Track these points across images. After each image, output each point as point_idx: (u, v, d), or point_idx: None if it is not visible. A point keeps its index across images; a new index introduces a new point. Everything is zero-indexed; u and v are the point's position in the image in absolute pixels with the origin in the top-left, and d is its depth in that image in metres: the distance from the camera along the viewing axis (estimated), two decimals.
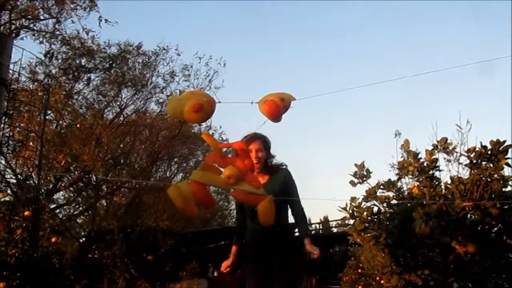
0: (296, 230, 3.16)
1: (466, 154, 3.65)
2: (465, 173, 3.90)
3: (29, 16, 9.16)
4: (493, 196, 3.43)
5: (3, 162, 7.99)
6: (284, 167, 3.09)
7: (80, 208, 12.30)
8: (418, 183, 3.96)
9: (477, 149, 3.57)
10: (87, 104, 11.46)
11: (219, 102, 2.03)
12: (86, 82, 10.90)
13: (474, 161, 3.60)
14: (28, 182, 6.67)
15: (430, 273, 3.83)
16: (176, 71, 12.18)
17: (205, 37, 33.29)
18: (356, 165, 4.26)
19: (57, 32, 9.56)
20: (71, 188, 11.53)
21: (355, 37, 43.22)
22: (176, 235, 11.84)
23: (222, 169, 2.13)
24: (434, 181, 3.88)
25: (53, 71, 9.93)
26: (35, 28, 9.39)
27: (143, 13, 32.23)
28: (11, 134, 6.78)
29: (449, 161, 4.20)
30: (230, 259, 3.11)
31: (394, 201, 4.14)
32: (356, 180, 4.26)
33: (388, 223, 4.07)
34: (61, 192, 11.58)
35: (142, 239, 11.02)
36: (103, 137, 10.12)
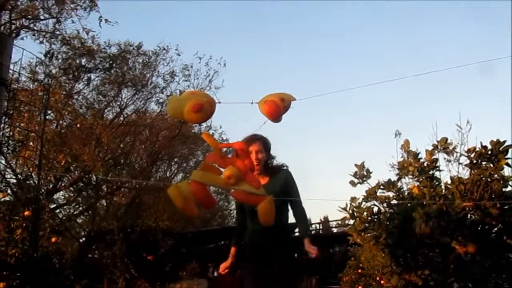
0: (297, 230, 3.16)
1: (466, 154, 3.65)
2: (465, 173, 3.90)
3: (29, 16, 9.16)
4: (493, 196, 3.43)
5: (3, 162, 7.99)
6: (285, 168, 3.08)
7: (80, 208, 12.31)
8: (418, 183, 3.96)
9: (477, 149, 3.57)
10: (87, 104, 11.46)
11: (219, 102, 2.04)
12: (86, 82, 10.92)
13: (474, 161, 3.59)
14: (28, 182, 6.67)
15: (430, 273, 3.83)
16: (176, 71, 12.20)
17: (205, 37, 33.31)
18: (356, 165, 4.26)
19: (57, 32, 9.57)
20: (71, 188, 11.53)
21: (355, 37, 43.22)
22: (176, 235, 11.85)
23: (222, 169, 2.13)
24: (434, 181, 3.88)
25: (53, 71, 9.94)
26: (35, 28, 9.40)
27: (143, 13, 32.24)
28: (11, 134, 6.78)
29: (449, 161, 4.21)
30: (229, 261, 3.11)
31: (394, 201, 4.14)
32: (356, 180, 4.26)
33: (388, 223, 4.07)
34: (61, 192, 11.60)
35: (142, 239, 11.02)
36: (103, 137, 10.12)
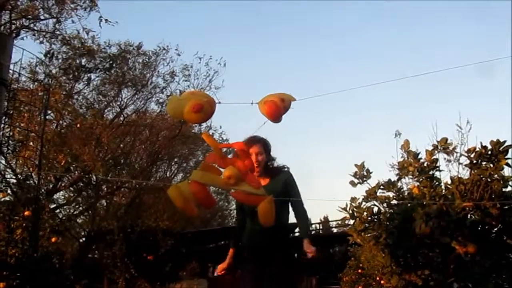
0: (297, 230, 3.16)
1: (466, 154, 3.65)
2: (465, 173, 3.91)
3: (29, 16, 9.16)
4: (493, 196, 3.43)
5: (3, 162, 7.99)
6: (285, 169, 3.08)
7: (80, 208, 12.31)
8: (418, 183, 3.96)
9: (477, 149, 3.57)
10: (87, 104, 11.46)
11: (219, 102, 2.04)
12: (86, 82, 10.92)
13: (474, 161, 3.59)
14: (28, 182, 6.67)
15: (430, 273, 3.83)
16: (176, 71, 12.20)
17: (205, 37, 33.32)
18: (356, 165, 4.26)
19: (57, 32, 9.57)
20: (71, 188, 11.53)
21: (355, 37, 43.22)
22: (176, 235, 11.85)
23: (222, 170, 2.13)
24: (434, 181, 3.88)
25: (53, 71, 9.94)
26: (35, 28, 9.40)
27: (143, 13, 32.26)
28: (11, 134, 6.78)
29: (449, 161, 4.21)
30: (226, 262, 3.11)
31: (394, 201, 4.14)
32: (356, 180, 4.26)
33: (388, 223, 4.07)
34: (61, 192, 11.60)
35: (142, 239, 11.03)
36: (103, 137, 10.12)
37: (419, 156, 4.01)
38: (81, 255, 11.02)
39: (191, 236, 14.29)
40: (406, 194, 4.13)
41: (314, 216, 28.73)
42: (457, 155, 4.10)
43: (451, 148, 4.03)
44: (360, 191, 4.30)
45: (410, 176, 4.08)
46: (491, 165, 3.51)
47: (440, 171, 3.97)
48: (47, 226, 6.96)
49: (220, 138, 13.46)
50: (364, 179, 4.23)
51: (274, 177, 3.02)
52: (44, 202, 7.45)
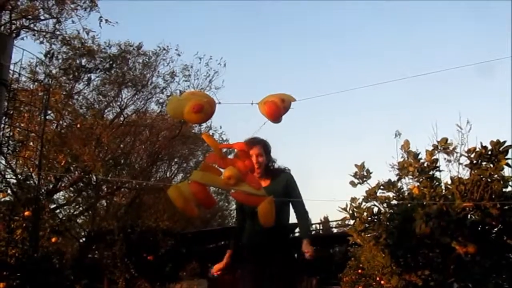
0: (298, 230, 3.16)
1: (466, 155, 3.65)
2: (465, 174, 3.91)
3: (30, 16, 9.17)
4: (493, 196, 3.43)
5: (3, 162, 8.00)
6: (287, 171, 3.09)
7: (80, 208, 12.31)
8: (418, 183, 3.96)
9: (477, 149, 3.57)
10: (88, 104, 11.47)
11: (219, 103, 2.04)
12: (86, 82, 10.93)
13: (474, 161, 3.59)
14: (28, 182, 6.67)
15: (430, 273, 3.83)
16: (176, 72, 12.22)
17: (205, 37, 33.30)
18: (356, 165, 4.26)
19: (58, 32, 9.58)
20: (71, 188, 11.54)
21: (355, 37, 43.18)
22: (176, 235, 11.86)
23: (222, 170, 2.13)
24: (434, 181, 3.88)
25: (54, 71, 9.95)
26: (35, 28, 9.40)
27: (143, 13, 32.24)
28: (11, 134, 6.77)
29: (449, 161, 4.21)
30: (223, 263, 3.11)
31: (394, 202, 4.14)
32: (356, 181, 4.26)
33: (388, 223, 4.07)
34: (61, 192, 11.61)
35: (142, 239, 11.03)
36: (103, 137, 10.12)
37: (419, 156, 4.01)
38: (81, 255, 11.02)
39: (191, 236, 14.29)
40: (406, 194, 4.13)
41: (314, 216, 28.71)
42: (457, 155, 4.11)
43: (451, 148, 4.03)
44: (360, 191, 4.31)
45: (410, 176, 4.08)
46: (491, 165, 3.51)
47: (440, 171, 3.98)
48: (47, 226, 6.96)
49: (220, 139, 13.48)
50: (364, 179, 4.23)
51: (274, 178, 3.02)
52: (44, 202, 7.45)
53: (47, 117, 8.30)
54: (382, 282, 5.60)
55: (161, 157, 13.59)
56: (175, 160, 15.36)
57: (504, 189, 3.51)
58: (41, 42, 9.39)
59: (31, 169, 7.94)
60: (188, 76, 12.21)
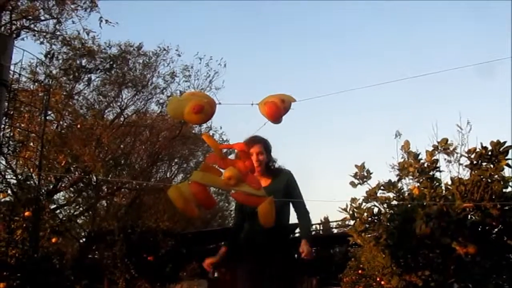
0: (298, 231, 3.16)
1: (466, 155, 3.65)
2: (465, 174, 3.91)
3: (30, 17, 9.18)
4: (493, 197, 3.43)
5: (3, 162, 8.00)
6: (287, 170, 3.09)
7: (81, 209, 12.31)
8: (418, 184, 3.96)
9: (477, 150, 3.57)
10: (88, 105, 11.48)
11: (220, 103, 2.04)
12: (86, 83, 10.94)
13: (475, 162, 3.59)
14: (28, 182, 6.67)
15: (430, 274, 3.83)
16: (177, 72, 12.22)
17: (205, 37, 33.29)
18: (356, 166, 4.26)
19: (58, 33, 9.59)
20: (71, 189, 11.53)
21: (355, 37, 43.17)
22: (177, 235, 11.85)
23: (222, 170, 2.13)
24: (435, 182, 3.88)
25: (54, 72, 9.95)
26: (35, 28, 9.41)
27: (144, 14, 32.24)
28: (11, 134, 6.77)
29: (449, 162, 4.21)
30: (215, 258, 3.10)
31: (394, 202, 4.14)
32: (356, 181, 4.26)
33: (388, 224, 4.07)
34: (62, 193, 11.60)
35: (142, 239, 11.03)
36: (103, 138, 10.12)
37: (420, 157, 4.01)
38: (81, 255, 11.02)
39: (192, 237, 14.28)
40: (406, 194, 4.13)
41: (315, 216, 28.68)
42: (457, 156, 4.11)
43: (451, 148, 4.03)
44: (360, 192, 4.32)
45: (411, 177, 4.08)
46: (492, 166, 3.51)
47: (440, 171, 3.98)
48: (48, 227, 6.95)
49: (221, 139, 13.48)
50: (365, 179, 4.23)
51: (275, 177, 3.03)
52: (44, 203, 7.44)
53: (47, 117, 8.30)
54: (383, 282, 5.59)
55: (161, 158, 13.60)
56: (175, 160, 15.36)
57: (504, 190, 3.51)
58: (42, 43, 9.41)
59: (31, 170, 7.94)
60: (188, 77, 12.23)
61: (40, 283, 5.56)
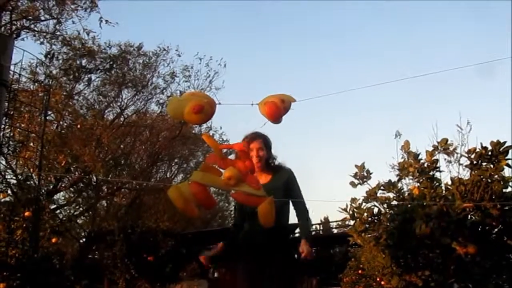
0: (298, 230, 3.16)
1: (466, 155, 3.65)
2: (465, 174, 3.91)
3: (30, 17, 9.18)
4: (493, 197, 3.43)
5: (3, 162, 8.01)
6: (287, 168, 3.09)
7: (81, 209, 12.31)
8: (418, 184, 3.96)
9: (477, 150, 3.57)
10: (88, 105, 11.48)
11: (220, 103, 2.04)
12: (86, 83, 10.94)
13: (475, 162, 3.60)
14: (28, 182, 6.67)
15: (430, 274, 3.83)
16: (177, 72, 12.22)
17: (205, 37, 33.24)
18: (356, 166, 4.26)
19: (58, 33, 9.59)
20: (71, 189, 11.54)
21: (355, 37, 43.10)
22: (177, 235, 11.85)
23: (222, 171, 2.13)
24: (435, 182, 3.88)
25: (54, 72, 9.95)
26: (35, 28, 9.41)
27: (144, 14, 32.22)
28: (11, 134, 6.78)
29: (449, 162, 4.21)
30: (212, 252, 3.09)
31: (394, 202, 4.14)
32: (356, 181, 4.26)
33: (388, 224, 4.07)
34: (62, 193, 11.60)
35: (142, 239, 11.03)
36: (103, 138, 10.12)
37: (420, 157, 4.01)
38: (81, 255, 11.02)
39: (192, 237, 14.28)
40: (406, 195, 4.13)
41: (315, 216, 28.70)
42: (457, 156, 4.11)
43: (451, 148, 4.03)
44: (360, 192, 4.32)
45: (411, 177, 4.08)
46: (492, 166, 3.51)
47: (440, 172, 3.98)
48: (48, 227, 6.96)
49: (221, 139, 13.48)
50: (364, 179, 4.23)
51: (275, 174, 3.02)
52: (44, 203, 7.45)
53: (47, 117, 8.30)
54: (383, 282, 5.59)
55: (161, 158, 13.60)
56: (175, 160, 15.36)
57: (504, 190, 3.51)
58: (42, 43, 9.41)
59: (31, 170, 7.95)
60: (188, 77, 12.24)
61: (40, 283, 5.56)
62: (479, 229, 3.62)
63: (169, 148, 13.21)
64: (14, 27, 9.02)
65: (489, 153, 3.51)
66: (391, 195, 4.17)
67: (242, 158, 2.19)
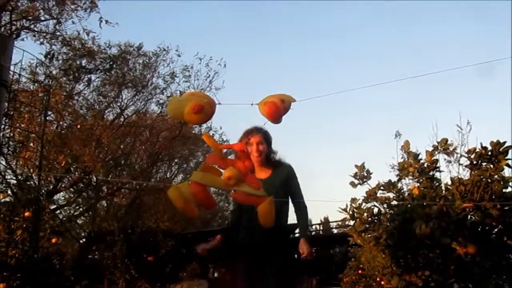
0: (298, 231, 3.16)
1: (466, 155, 3.65)
2: (465, 174, 3.91)
3: (30, 17, 9.18)
4: (493, 197, 3.43)
5: (3, 163, 8.02)
6: (288, 163, 3.09)
7: (81, 209, 12.32)
8: (418, 184, 3.96)
9: (477, 150, 3.57)
10: (88, 105, 11.48)
11: (219, 103, 2.04)
12: (86, 83, 10.94)
13: (475, 162, 3.59)
14: (28, 183, 6.68)
15: (430, 274, 3.83)
16: (177, 72, 12.23)
17: (205, 37, 33.33)
18: (356, 166, 4.26)
19: (58, 33, 9.60)
20: (71, 189, 11.54)
21: (355, 37, 43.21)
22: (177, 236, 11.85)
23: (222, 171, 2.13)
24: (435, 182, 3.88)
25: (54, 72, 9.95)
26: (35, 29, 9.42)
27: (143, 14, 32.26)
28: (11, 135, 6.78)
29: (449, 162, 4.21)
30: (210, 244, 3.10)
31: (394, 202, 4.13)
32: (356, 181, 4.26)
33: (388, 224, 4.06)
34: (62, 193, 11.61)
35: (142, 240, 11.02)
36: (103, 138, 10.12)
37: (419, 157, 4.01)
38: (81, 256, 11.02)
39: (192, 237, 14.28)
40: (406, 195, 4.13)
41: (315, 216, 28.75)
42: (457, 156, 4.11)
43: (451, 149, 4.03)
44: (360, 192, 4.31)
45: (410, 177, 4.08)
46: (491, 166, 3.51)
47: (440, 172, 3.97)
48: (48, 227, 6.96)
49: (221, 139, 13.48)
50: (364, 180, 4.23)
51: (275, 169, 3.01)
52: (44, 203, 7.45)
53: (47, 118, 8.30)
54: (382, 282, 5.59)
55: (161, 158, 13.60)
56: (175, 160, 15.37)
57: (504, 190, 3.50)
58: (41, 43, 9.42)
59: (31, 170, 7.95)
60: (188, 77, 12.25)
61: (40, 283, 5.56)
62: (479, 229, 3.61)
63: (169, 148, 13.22)
64: (14, 27, 9.02)
65: (489, 153, 3.50)
66: (391, 195, 4.17)
67: (242, 158, 2.20)
